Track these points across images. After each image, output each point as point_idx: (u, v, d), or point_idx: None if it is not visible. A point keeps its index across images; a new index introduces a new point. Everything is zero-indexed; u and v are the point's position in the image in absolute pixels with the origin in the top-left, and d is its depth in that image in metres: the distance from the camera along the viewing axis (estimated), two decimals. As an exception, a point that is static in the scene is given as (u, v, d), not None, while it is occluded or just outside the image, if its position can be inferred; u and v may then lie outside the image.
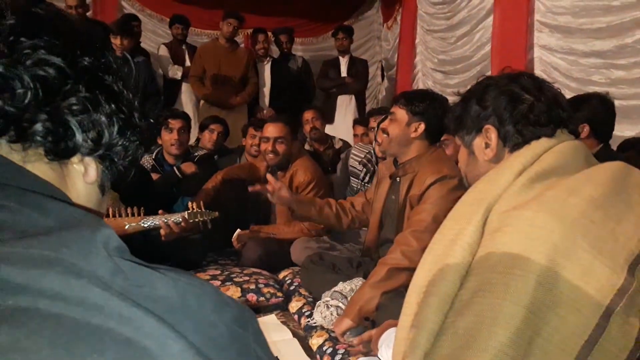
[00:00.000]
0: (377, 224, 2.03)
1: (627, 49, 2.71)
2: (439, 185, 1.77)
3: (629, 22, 2.67)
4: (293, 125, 2.71)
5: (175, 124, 2.90)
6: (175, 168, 2.91)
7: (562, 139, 0.95)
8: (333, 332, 1.70)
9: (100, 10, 5.11)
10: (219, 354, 0.36)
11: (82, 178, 0.49)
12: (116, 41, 3.49)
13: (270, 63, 4.81)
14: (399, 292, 1.58)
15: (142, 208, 1.90)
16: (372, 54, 6.19)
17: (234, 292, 2.04)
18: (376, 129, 2.77)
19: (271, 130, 2.58)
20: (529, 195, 0.85)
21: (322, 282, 1.99)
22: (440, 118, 1.86)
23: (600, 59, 2.90)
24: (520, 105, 0.96)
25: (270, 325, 1.86)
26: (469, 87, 1.08)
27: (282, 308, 2.09)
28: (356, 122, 3.97)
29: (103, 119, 0.48)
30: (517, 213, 0.82)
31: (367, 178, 3.06)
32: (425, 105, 1.86)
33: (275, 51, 5.05)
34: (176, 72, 4.57)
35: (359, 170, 3.10)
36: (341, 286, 1.87)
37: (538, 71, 3.26)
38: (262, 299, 2.06)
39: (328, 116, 4.49)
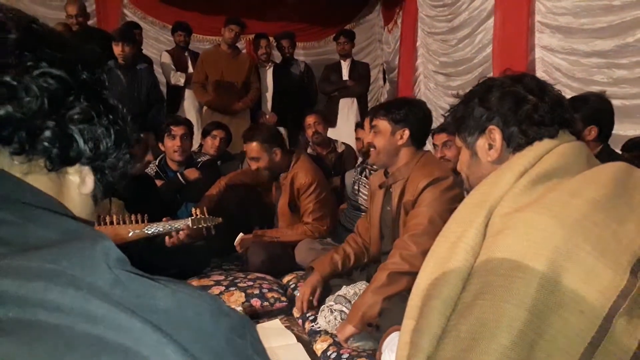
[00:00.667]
0: (378, 237, 2.03)
1: (628, 49, 2.71)
2: (432, 187, 1.77)
3: (630, 21, 2.66)
4: (268, 134, 2.60)
5: (177, 130, 2.91)
6: (178, 174, 2.92)
7: (563, 139, 0.95)
8: (337, 336, 1.70)
9: (103, 19, 5.16)
10: None
11: (77, 189, 0.51)
12: (118, 48, 3.51)
13: (272, 68, 4.82)
14: (402, 297, 1.58)
15: (145, 215, 1.91)
16: (374, 57, 6.20)
17: (238, 297, 2.04)
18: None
19: (248, 151, 2.59)
20: (531, 197, 0.85)
21: (326, 286, 1.99)
22: (422, 121, 1.89)
23: (602, 58, 2.89)
24: (524, 105, 0.95)
25: (275, 330, 1.87)
26: (471, 89, 1.08)
27: (286, 313, 2.09)
28: (358, 126, 3.97)
29: (101, 129, 0.50)
30: (518, 215, 0.82)
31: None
32: (405, 111, 1.88)
33: (277, 56, 5.05)
34: (179, 79, 4.58)
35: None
36: (345, 290, 1.87)
37: (540, 72, 3.26)
38: (266, 303, 2.06)
39: (330, 120, 4.50)
